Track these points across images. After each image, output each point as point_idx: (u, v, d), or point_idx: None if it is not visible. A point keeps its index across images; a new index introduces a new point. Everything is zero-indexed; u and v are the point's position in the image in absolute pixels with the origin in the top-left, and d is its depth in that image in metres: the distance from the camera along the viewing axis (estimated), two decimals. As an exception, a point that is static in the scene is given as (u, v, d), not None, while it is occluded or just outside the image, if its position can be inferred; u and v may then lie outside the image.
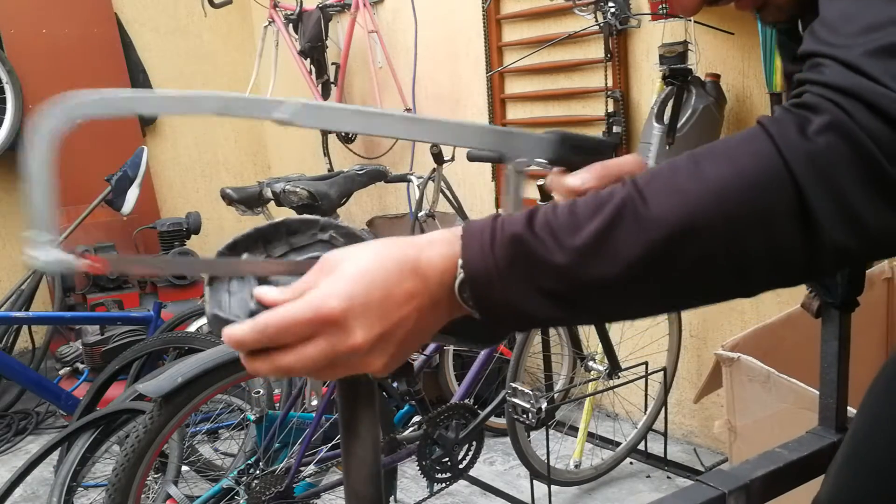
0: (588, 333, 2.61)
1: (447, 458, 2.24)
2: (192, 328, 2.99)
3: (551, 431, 2.48)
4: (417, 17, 3.61)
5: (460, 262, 0.61)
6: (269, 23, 4.03)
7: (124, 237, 4.07)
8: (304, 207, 2.22)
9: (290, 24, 3.93)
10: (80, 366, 3.32)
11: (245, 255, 0.73)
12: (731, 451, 1.97)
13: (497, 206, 3.44)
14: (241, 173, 4.98)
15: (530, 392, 2.17)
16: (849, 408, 1.21)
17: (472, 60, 3.42)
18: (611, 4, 2.61)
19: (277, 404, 2.55)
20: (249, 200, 2.71)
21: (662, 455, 2.68)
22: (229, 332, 0.60)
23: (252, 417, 2.12)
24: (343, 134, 3.97)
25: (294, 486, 2.06)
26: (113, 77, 4.31)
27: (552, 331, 2.94)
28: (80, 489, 2.36)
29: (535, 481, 2.47)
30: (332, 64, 3.95)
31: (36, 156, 0.72)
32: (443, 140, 0.76)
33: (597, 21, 2.71)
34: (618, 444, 2.79)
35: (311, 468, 2.10)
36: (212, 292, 0.68)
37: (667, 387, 2.68)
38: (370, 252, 0.61)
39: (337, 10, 3.87)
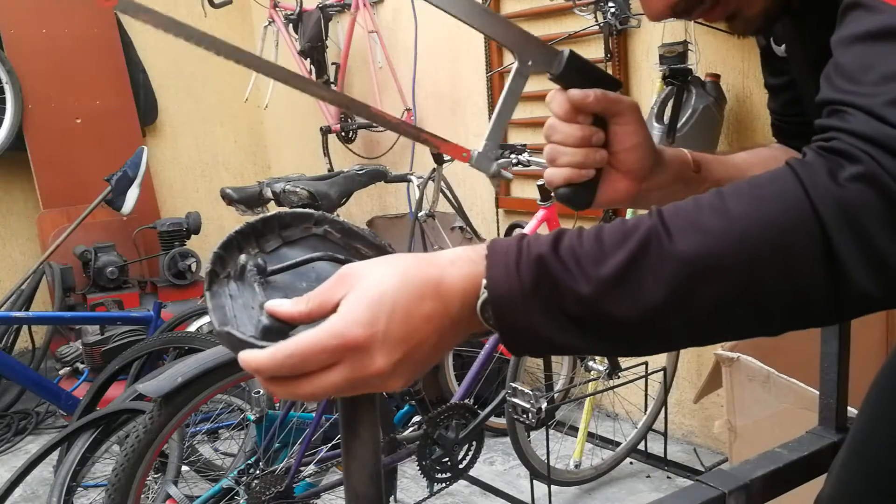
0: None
1: (447, 458, 2.24)
2: (192, 328, 2.99)
3: (551, 431, 2.48)
4: (417, 17, 3.60)
5: (484, 282, 0.60)
6: (269, 23, 4.03)
7: (124, 237, 4.07)
8: (304, 207, 2.23)
9: (290, 24, 3.93)
10: (80, 366, 3.32)
11: (242, 257, 0.71)
12: (731, 451, 1.97)
13: (497, 207, 3.44)
14: (241, 173, 4.98)
15: (530, 392, 2.17)
16: (849, 408, 1.21)
17: (472, 60, 3.42)
18: (611, 4, 2.61)
19: (277, 404, 2.55)
20: (249, 200, 2.72)
21: (662, 455, 2.68)
22: (247, 359, 0.59)
23: (252, 417, 2.12)
24: (343, 134, 3.97)
25: (294, 486, 2.06)
26: (113, 77, 4.31)
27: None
28: (79, 489, 2.35)
29: (535, 481, 2.47)
30: (332, 64, 3.95)
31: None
32: (466, 18, 0.79)
33: (597, 21, 2.71)
34: (618, 444, 2.79)
35: (311, 468, 2.10)
36: (212, 298, 0.66)
37: (667, 387, 2.68)
38: (392, 272, 0.60)
39: (337, 10, 3.88)
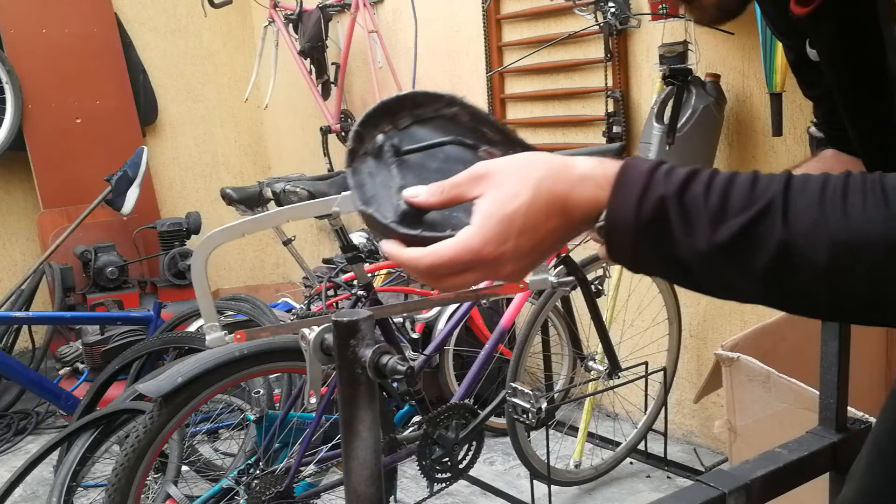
0: (588, 333, 2.61)
1: (447, 458, 2.24)
2: (192, 328, 2.99)
3: (551, 431, 2.48)
4: (417, 17, 3.60)
5: (605, 212, 0.63)
6: (269, 23, 4.03)
7: (124, 237, 4.07)
8: (304, 207, 2.22)
9: (290, 24, 3.93)
10: (80, 366, 3.32)
11: (379, 137, 0.76)
12: (731, 451, 1.97)
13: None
14: (241, 173, 4.98)
15: (530, 392, 2.17)
16: (849, 408, 1.21)
17: (472, 60, 3.42)
18: (611, 4, 2.61)
19: (277, 404, 2.55)
20: (249, 200, 2.71)
21: (662, 455, 2.68)
22: (390, 251, 0.68)
23: (252, 417, 2.12)
24: (343, 134, 3.97)
25: (294, 486, 2.05)
26: (113, 77, 4.31)
27: (552, 331, 2.94)
28: (79, 489, 2.35)
29: (535, 481, 2.47)
30: (332, 64, 3.95)
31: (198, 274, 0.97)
32: None
33: (597, 21, 2.71)
34: (618, 444, 2.79)
35: (311, 468, 2.10)
36: (353, 175, 0.72)
37: (667, 387, 2.68)
38: (524, 189, 0.64)
39: (337, 10, 3.87)
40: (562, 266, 2.19)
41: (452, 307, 2.79)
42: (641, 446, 2.73)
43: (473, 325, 3.00)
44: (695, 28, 2.45)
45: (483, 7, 3.25)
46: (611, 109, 2.80)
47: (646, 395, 2.65)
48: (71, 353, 3.39)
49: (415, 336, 2.82)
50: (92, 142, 4.19)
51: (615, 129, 2.78)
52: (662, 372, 2.63)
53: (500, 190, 0.65)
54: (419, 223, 0.68)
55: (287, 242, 3.06)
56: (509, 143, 0.77)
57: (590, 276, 2.33)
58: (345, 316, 0.79)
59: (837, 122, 0.93)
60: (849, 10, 0.76)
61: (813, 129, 1.94)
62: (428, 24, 3.60)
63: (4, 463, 3.15)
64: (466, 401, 2.30)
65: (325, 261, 3.37)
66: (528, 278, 1.44)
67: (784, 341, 1.96)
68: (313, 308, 2.74)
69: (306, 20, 3.83)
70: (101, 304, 3.61)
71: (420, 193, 0.68)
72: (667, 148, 2.36)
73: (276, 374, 2.61)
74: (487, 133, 0.79)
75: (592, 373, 2.57)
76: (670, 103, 2.39)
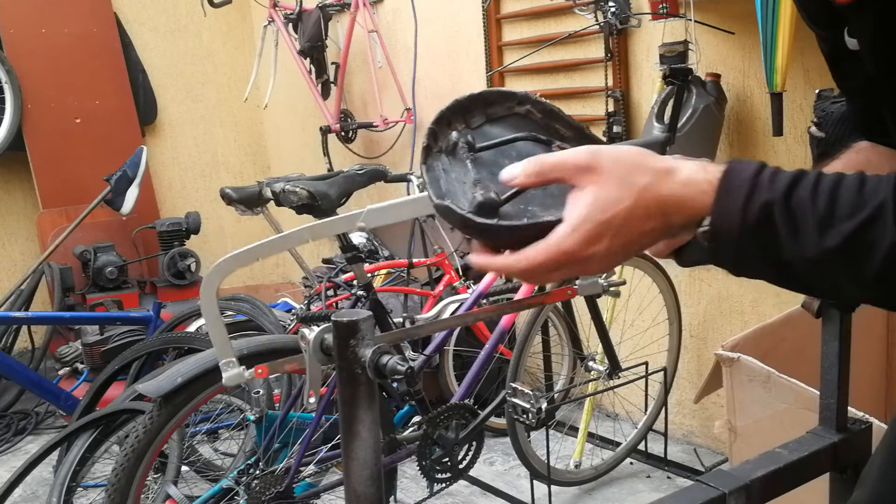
0: (588, 333, 2.61)
1: (447, 458, 2.23)
2: (192, 328, 2.99)
3: (551, 431, 2.48)
4: (417, 17, 3.60)
5: (709, 218, 0.63)
6: (269, 22, 4.02)
7: (124, 237, 4.07)
8: (304, 207, 2.22)
9: (290, 24, 3.93)
10: (80, 366, 3.32)
11: (453, 134, 0.76)
12: (731, 451, 1.96)
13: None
14: (241, 173, 4.98)
15: (530, 392, 2.17)
16: (849, 408, 1.21)
17: (472, 60, 3.42)
18: (611, 4, 2.61)
19: (277, 404, 2.55)
20: (249, 200, 2.71)
21: (662, 455, 2.68)
22: (483, 263, 0.70)
23: (252, 417, 2.12)
24: (343, 134, 3.97)
25: (294, 486, 2.05)
26: (112, 77, 4.31)
27: (552, 331, 2.94)
28: (79, 489, 2.35)
29: (535, 481, 2.47)
30: (332, 63, 3.95)
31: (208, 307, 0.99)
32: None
33: (597, 21, 2.71)
34: (618, 444, 2.79)
35: (311, 468, 2.09)
36: (428, 171, 0.74)
37: (667, 387, 2.68)
38: (627, 195, 0.64)
39: (337, 10, 3.87)
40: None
41: (452, 307, 2.78)
42: (641, 446, 2.73)
43: (473, 325, 3.00)
44: (695, 28, 2.45)
45: (483, 7, 3.25)
46: (611, 109, 2.80)
47: (646, 395, 2.65)
48: (70, 353, 3.39)
49: (415, 336, 2.82)
50: (91, 142, 4.19)
51: (615, 128, 2.78)
52: (662, 372, 2.63)
53: (601, 193, 0.65)
54: (494, 214, 0.69)
55: (287, 242, 3.05)
56: (583, 138, 0.78)
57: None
58: (345, 316, 0.79)
59: (874, 114, 0.91)
60: None
61: (813, 128, 1.94)
62: (428, 24, 3.60)
63: (4, 463, 3.15)
64: (466, 401, 2.29)
65: (325, 261, 3.37)
66: (578, 282, 1.44)
67: (784, 341, 1.96)
68: (313, 308, 2.74)
69: (306, 20, 3.83)
70: (100, 304, 3.61)
71: (517, 175, 0.68)
72: (667, 148, 2.36)
73: (275, 375, 2.61)
74: (560, 129, 0.80)
75: (592, 373, 2.57)
76: (670, 103, 2.39)
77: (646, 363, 2.54)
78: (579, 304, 2.52)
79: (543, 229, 0.66)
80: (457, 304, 2.75)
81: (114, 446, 2.36)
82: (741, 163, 0.64)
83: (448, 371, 2.99)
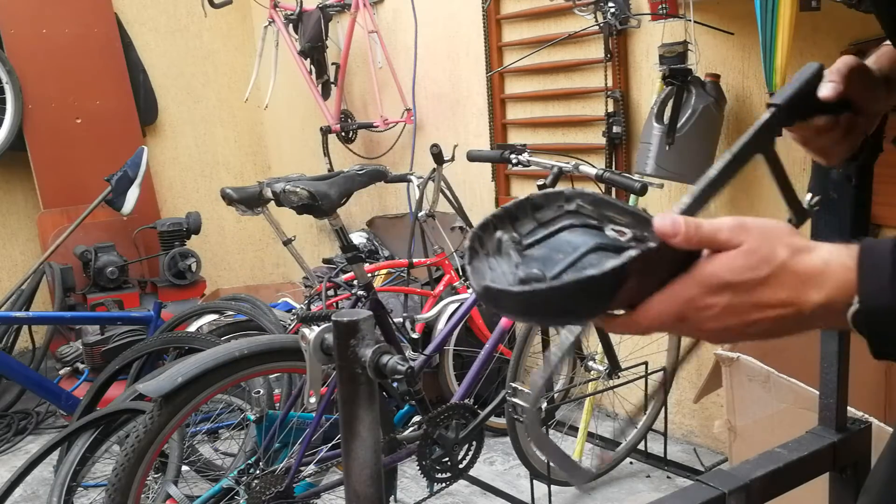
0: (588, 333, 2.61)
1: (447, 458, 2.24)
2: (192, 328, 2.99)
3: (551, 431, 2.48)
4: (417, 17, 3.61)
5: (857, 296, 0.60)
6: (269, 23, 4.03)
7: (124, 237, 4.07)
8: (304, 207, 2.22)
9: (290, 24, 3.93)
10: (80, 366, 3.32)
11: (500, 234, 0.72)
12: (731, 451, 1.97)
13: (497, 207, 3.44)
14: (241, 173, 4.98)
15: (530, 392, 2.17)
16: (849, 408, 1.21)
17: (472, 60, 3.42)
18: (611, 4, 2.61)
19: (277, 404, 2.55)
20: (249, 200, 2.71)
21: (662, 455, 2.68)
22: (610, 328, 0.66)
23: (252, 417, 2.12)
24: (343, 134, 3.97)
25: (294, 486, 2.05)
26: (113, 77, 4.31)
27: (552, 330, 2.94)
28: (80, 489, 2.36)
29: (535, 481, 2.47)
30: (332, 64, 3.95)
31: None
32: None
33: (597, 21, 2.71)
34: (618, 444, 2.79)
35: (311, 468, 2.10)
36: (473, 272, 0.70)
37: (667, 387, 2.68)
38: (766, 273, 0.61)
39: (337, 10, 3.88)
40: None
41: (452, 307, 2.79)
42: (641, 446, 2.73)
43: (473, 325, 3.00)
44: (694, 28, 2.45)
45: (483, 7, 3.25)
46: (611, 109, 2.80)
47: (646, 395, 2.65)
48: (71, 353, 3.39)
49: (415, 336, 2.82)
50: (92, 142, 4.19)
51: (615, 129, 2.78)
52: (662, 372, 2.63)
53: (739, 260, 0.62)
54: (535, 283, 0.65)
55: (287, 242, 3.06)
56: (640, 222, 0.71)
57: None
58: (345, 316, 0.79)
59: None
60: None
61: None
62: (428, 25, 3.60)
63: (4, 463, 3.15)
64: (466, 401, 2.30)
65: (325, 261, 3.37)
66: None
67: (784, 341, 1.95)
68: (313, 308, 2.74)
69: (306, 20, 3.84)
70: (101, 304, 3.61)
71: (667, 228, 0.62)
72: (667, 148, 2.36)
73: (276, 374, 2.61)
74: (615, 217, 0.75)
75: (592, 373, 2.57)
76: (670, 103, 2.39)
77: (645, 363, 2.54)
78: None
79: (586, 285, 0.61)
80: (457, 304, 2.75)
81: (114, 446, 2.36)
82: (873, 241, 0.62)
83: (448, 371, 2.99)
